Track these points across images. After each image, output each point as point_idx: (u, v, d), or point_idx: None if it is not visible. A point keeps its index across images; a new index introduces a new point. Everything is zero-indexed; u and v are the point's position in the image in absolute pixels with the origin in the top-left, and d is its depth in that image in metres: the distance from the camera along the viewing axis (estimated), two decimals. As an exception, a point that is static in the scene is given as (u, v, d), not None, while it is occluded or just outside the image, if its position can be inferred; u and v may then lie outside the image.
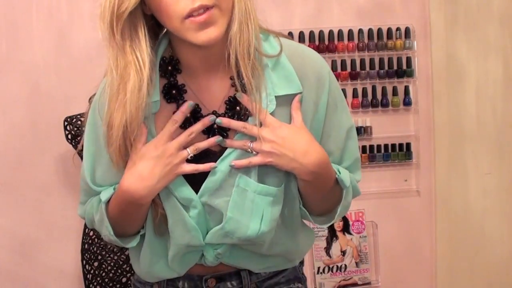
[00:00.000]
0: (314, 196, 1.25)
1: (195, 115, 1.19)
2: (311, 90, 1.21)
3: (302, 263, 1.44)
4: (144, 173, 1.16)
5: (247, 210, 1.20)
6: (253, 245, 1.26)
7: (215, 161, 1.18)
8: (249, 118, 1.18)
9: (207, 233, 1.24)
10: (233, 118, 1.18)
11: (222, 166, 1.18)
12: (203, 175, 1.19)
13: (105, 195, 1.23)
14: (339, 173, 1.25)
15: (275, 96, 1.18)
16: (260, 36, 1.17)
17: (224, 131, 1.19)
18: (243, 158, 1.17)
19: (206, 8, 1.07)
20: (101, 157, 1.24)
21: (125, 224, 1.24)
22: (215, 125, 1.19)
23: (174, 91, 1.19)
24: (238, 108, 1.18)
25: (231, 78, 1.19)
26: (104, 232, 1.26)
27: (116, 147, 1.16)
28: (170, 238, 1.25)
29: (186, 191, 1.20)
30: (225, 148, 1.19)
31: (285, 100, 1.19)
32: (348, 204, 1.29)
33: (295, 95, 1.19)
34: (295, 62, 1.20)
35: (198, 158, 1.18)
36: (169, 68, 1.20)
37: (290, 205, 1.28)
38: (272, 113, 1.17)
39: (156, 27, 1.19)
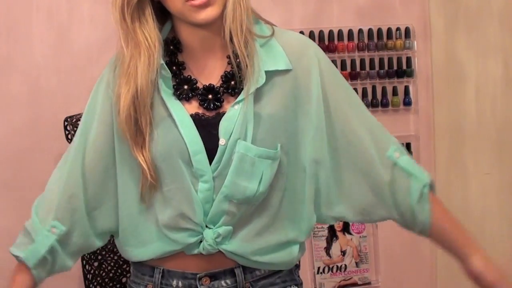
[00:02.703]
0: None
1: (192, 87, 1.30)
2: (302, 68, 1.32)
3: (298, 266, 1.45)
4: None
5: (247, 173, 1.27)
6: (249, 216, 1.32)
7: (215, 130, 1.28)
8: (242, 92, 1.28)
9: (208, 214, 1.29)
10: (227, 91, 1.30)
11: (228, 142, 1.28)
12: (212, 151, 1.28)
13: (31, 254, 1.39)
14: (425, 181, 1.39)
15: (265, 71, 1.28)
16: (252, 17, 1.30)
17: (218, 101, 1.30)
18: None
19: None
20: (91, 128, 1.37)
21: None
22: (209, 95, 1.30)
23: (174, 67, 1.32)
24: (232, 82, 1.29)
25: (228, 57, 1.29)
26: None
27: (127, 115, 1.27)
28: (163, 206, 1.31)
29: (204, 162, 1.28)
30: (222, 116, 1.29)
31: (275, 77, 1.30)
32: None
33: (285, 71, 1.30)
34: (284, 45, 1.32)
35: (198, 126, 1.28)
36: (171, 47, 1.32)
37: (294, 175, 1.35)
38: (261, 87, 1.28)
39: (160, 13, 1.32)
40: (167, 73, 1.30)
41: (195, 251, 1.31)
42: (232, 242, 1.31)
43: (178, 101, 1.31)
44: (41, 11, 2.61)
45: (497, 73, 2.87)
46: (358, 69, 2.74)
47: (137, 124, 1.27)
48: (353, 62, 2.74)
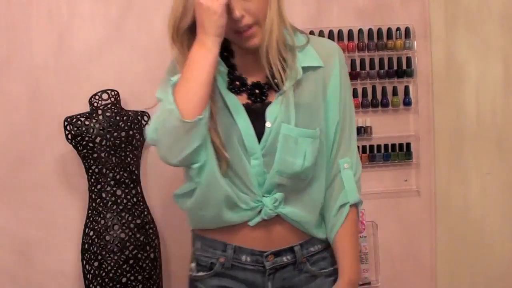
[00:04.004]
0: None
1: (242, 83, 1.60)
2: (327, 65, 1.61)
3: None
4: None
5: (292, 150, 1.54)
6: (299, 185, 1.58)
7: (263, 117, 1.55)
8: (286, 82, 1.56)
9: (263, 185, 1.56)
10: (270, 88, 1.58)
11: (273, 125, 1.55)
12: (261, 134, 1.56)
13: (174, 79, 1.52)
14: (348, 200, 1.61)
15: (302, 67, 1.57)
16: (290, 32, 1.58)
17: (263, 95, 1.59)
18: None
19: (249, 26, 1.50)
20: None
21: (195, 85, 1.47)
22: (256, 90, 1.59)
23: (228, 68, 1.59)
24: (275, 80, 1.56)
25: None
26: (164, 113, 1.48)
27: None
28: (233, 180, 1.56)
29: (254, 143, 1.55)
30: (267, 105, 1.57)
31: (309, 72, 1.59)
32: (361, 204, 1.67)
33: (317, 68, 1.59)
34: (318, 48, 1.62)
35: (248, 113, 1.55)
36: (225, 53, 1.60)
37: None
38: (299, 81, 1.56)
39: None
40: (225, 68, 1.58)
41: (257, 220, 1.57)
42: (287, 207, 1.58)
43: (231, 93, 1.58)
44: (41, 11, 2.62)
45: (497, 73, 2.87)
46: (358, 69, 2.74)
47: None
48: (353, 62, 2.74)
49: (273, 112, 1.56)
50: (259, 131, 1.56)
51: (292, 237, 1.61)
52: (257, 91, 1.60)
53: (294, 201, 1.59)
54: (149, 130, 1.53)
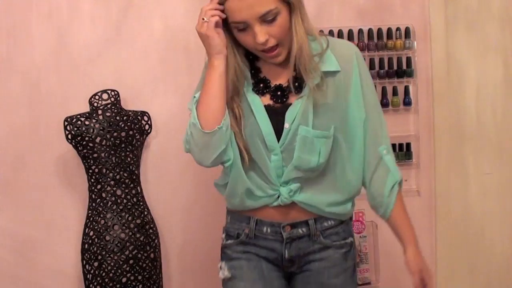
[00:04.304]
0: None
1: (266, 85, 1.77)
2: (347, 68, 1.77)
3: (351, 219, 1.95)
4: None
5: (309, 149, 1.75)
6: (314, 179, 1.79)
7: (282, 117, 1.73)
8: (304, 88, 1.73)
9: (282, 176, 1.78)
10: (291, 90, 1.74)
11: (291, 126, 1.73)
12: (280, 132, 1.75)
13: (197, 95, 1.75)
14: (396, 179, 1.84)
15: (322, 72, 1.73)
16: (312, 48, 1.73)
17: (285, 97, 1.75)
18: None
19: (272, 48, 1.68)
20: None
21: (209, 99, 1.71)
22: (278, 92, 1.75)
23: (253, 71, 1.79)
24: (296, 84, 1.74)
25: (294, 65, 1.73)
26: (191, 126, 1.73)
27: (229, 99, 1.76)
28: (253, 169, 1.78)
29: (274, 141, 1.75)
30: (287, 107, 1.74)
31: (329, 76, 1.75)
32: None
33: (336, 72, 1.75)
34: (336, 53, 1.77)
35: (269, 114, 1.74)
36: (250, 57, 1.79)
37: (347, 148, 1.82)
38: (318, 85, 1.71)
39: None
40: (248, 73, 1.77)
41: (275, 204, 1.79)
42: (301, 195, 1.80)
43: (256, 95, 1.77)
44: (41, 11, 2.62)
45: (497, 73, 2.87)
46: (358, 69, 2.74)
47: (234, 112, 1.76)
48: (353, 62, 2.74)
49: (291, 114, 1.74)
50: (279, 129, 1.75)
51: (307, 215, 1.83)
52: (279, 93, 1.76)
53: (307, 190, 1.81)
54: (184, 142, 1.79)
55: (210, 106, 1.70)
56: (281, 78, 1.78)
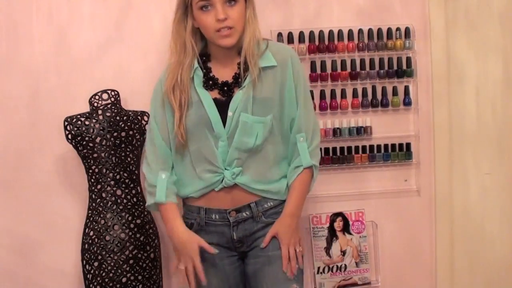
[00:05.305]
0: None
1: (214, 82, 2.10)
2: (283, 67, 2.11)
3: None
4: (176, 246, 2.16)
5: (248, 133, 2.06)
6: (252, 163, 2.09)
7: (225, 108, 2.06)
8: (245, 80, 2.06)
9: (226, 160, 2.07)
10: (236, 85, 2.08)
11: (234, 114, 2.05)
12: (225, 121, 2.06)
13: (159, 196, 2.14)
14: (301, 164, 2.13)
15: (261, 67, 2.07)
16: (259, 41, 2.10)
17: (230, 91, 2.08)
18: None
19: (228, 28, 1.99)
20: (160, 115, 2.16)
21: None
22: (225, 87, 2.08)
23: (204, 70, 2.12)
24: (239, 79, 2.08)
25: (238, 64, 2.10)
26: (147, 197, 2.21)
27: (175, 95, 2.08)
28: (196, 159, 2.10)
29: (221, 128, 2.06)
30: (231, 98, 2.07)
31: (267, 71, 2.09)
32: (317, 167, 2.19)
33: (272, 67, 2.09)
34: (273, 52, 2.11)
35: (217, 105, 2.06)
36: (204, 58, 2.14)
37: (282, 134, 2.16)
38: (260, 78, 2.05)
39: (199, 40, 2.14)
40: (200, 73, 2.11)
41: (220, 186, 2.08)
42: (243, 177, 2.09)
43: (205, 90, 2.09)
44: (41, 11, 2.62)
45: (497, 73, 2.87)
46: (358, 69, 2.74)
47: (180, 106, 2.07)
48: (353, 62, 2.74)
49: (234, 104, 2.05)
50: (224, 119, 2.06)
51: (248, 198, 2.11)
52: (225, 88, 2.09)
53: (248, 172, 2.10)
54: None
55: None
56: (228, 75, 2.10)
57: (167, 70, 2.15)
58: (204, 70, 2.11)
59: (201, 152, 2.09)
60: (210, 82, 2.10)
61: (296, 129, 2.14)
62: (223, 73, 2.11)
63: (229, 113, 2.05)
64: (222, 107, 2.06)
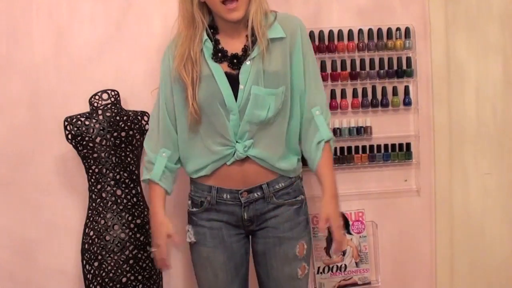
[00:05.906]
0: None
1: (224, 55, 2.08)
2: (292, 37, 2.10)
3: (301, 179, 2.24)
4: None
5: (260, 105, 2.05)
6: (264, 136, 2.09)
7: (236, 82, 2.05)
8: (254, 51, 2.05)
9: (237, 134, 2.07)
10: (244, 56, 2.07)
11: (245, 87, 2.05)
12: (237, 94, 2.05)
13: (155, 174, 2.19)
14: (323, 137, 2.13)
15: (269, 38, 2.06)
16: (267, 13, 2.09)
17: (240, 64, 2.06)
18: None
19: (235, 0, 1.99)
20: (166, 86, 2.18)
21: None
22: (234, 60, 2.06)
23: (212, 42, 2.10)
24: (248, 52, 2.06)
25: (246, 36, 2.09)
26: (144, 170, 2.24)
27: (184, 74, 2.06)
28: (208, 132, 2.10)
29: (233, 102, 2.05)
30: (239, 71, 2.06)
31: (276, 42, 2.08)
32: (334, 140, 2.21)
33: (281, 38, 2.08)
34: (281, 23, 2.10)
35: (228, 79, 2.05)
36: (211, 30, 2.12)
37: (293, 109, 2.16)
38: (269, 49, 2.05)
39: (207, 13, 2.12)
40: (210, 45, 2.09)
41: (232, 160, 2.08)
42: (254, 150, 2.08)
43: (216, 63, 2.07)
44: (41, 11, 2.62)
45: (497, 73, 2.87)
46: (358, 69, 2.74)
47: (188, 74, 2.06)
48: (353, 62, 2.74)
49: (244, 77, 2.04)
50: (236, 92, 2.05)
51: (260, 177, 2.11)
52: (235, 60, 2.07)
53: (260, 145, 2.08)
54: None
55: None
56: (237, 47, 2.08)
57: (172, 47, 2.14)
58: (213, 43, 2.09)
59: (213, 125, 2.08)
60: (219, 54, 2.07)
61: (310, 103, 2.14)
62: (232, 45, 2.09)
63: (241, 86, 2.04)
64: (232, 80, 2.05)
